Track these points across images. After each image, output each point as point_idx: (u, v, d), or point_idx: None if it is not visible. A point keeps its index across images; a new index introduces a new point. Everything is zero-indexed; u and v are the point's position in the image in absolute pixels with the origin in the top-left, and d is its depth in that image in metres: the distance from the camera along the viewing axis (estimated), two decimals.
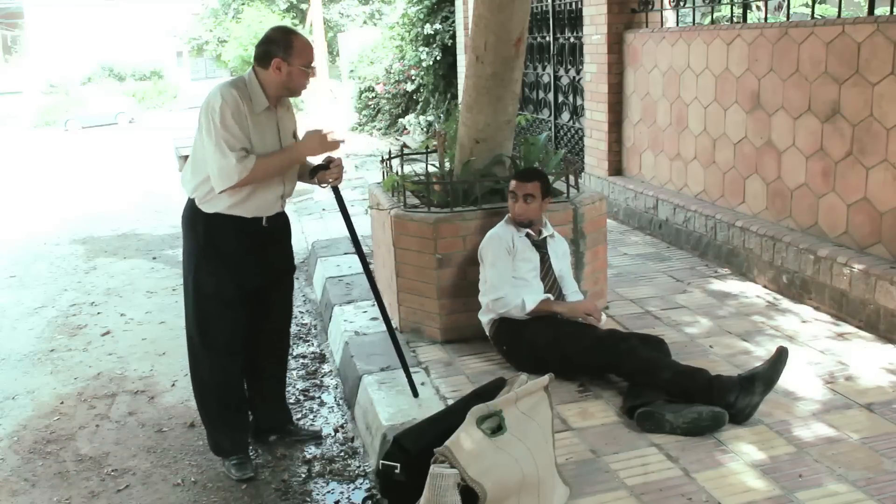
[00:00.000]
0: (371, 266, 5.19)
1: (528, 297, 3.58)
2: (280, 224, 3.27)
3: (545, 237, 3.79)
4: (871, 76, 4.09)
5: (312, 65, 3.07)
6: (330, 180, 3.26)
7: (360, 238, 3.46)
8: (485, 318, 3.76)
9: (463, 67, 9.63)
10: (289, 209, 3.40)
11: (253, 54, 3.11)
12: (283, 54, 2.98)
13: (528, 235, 3.74)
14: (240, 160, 2.93)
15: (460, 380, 3.62)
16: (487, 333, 3.77)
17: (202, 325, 3.21)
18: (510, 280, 3.65)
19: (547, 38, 8.35)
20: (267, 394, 3.53)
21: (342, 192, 3.39)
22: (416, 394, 3.44)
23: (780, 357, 3.15)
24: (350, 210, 3.42)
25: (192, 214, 3.14)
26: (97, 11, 36.76)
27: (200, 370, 3.29)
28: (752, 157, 5.10)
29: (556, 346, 3.45)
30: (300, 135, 3.27)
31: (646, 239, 6.08)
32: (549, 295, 3.67)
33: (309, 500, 3.16)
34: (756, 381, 3.08)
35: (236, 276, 3.15)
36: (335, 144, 3.19)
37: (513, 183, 3.74)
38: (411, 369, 3.65)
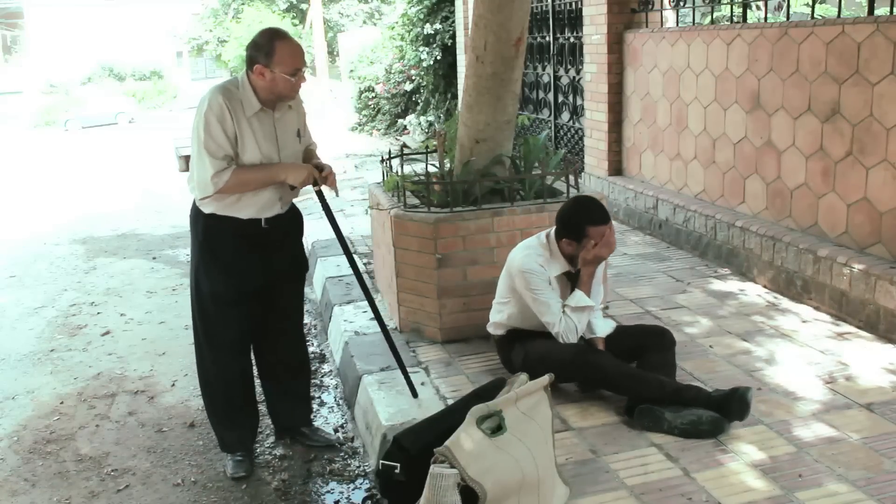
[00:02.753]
0: (371, 266, 5.22)
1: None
2: (282, 224, 3.20)
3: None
4: (871, 76, 4.09)
5: (299, 71, 2.98)
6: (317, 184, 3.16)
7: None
8: (495, 332, 3.62)
9: (463, 67, 9.62)
10: None
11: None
12: (264, 61, 2.93)
13: (565, 274, 3.41)
14: (217, 172, 2.91)
15: (460, 380, 3.62)
16: (496, 349, 3.69)
17: (204, 323, 3.23)
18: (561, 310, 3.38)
19: (547, 38, 8.35)
20: (281, 393, 3.51)
21: (330, 198, 3.31)
22: (415, 394, 3.43)
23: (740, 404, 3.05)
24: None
25: (195, 214, 3.15)
26: (97, 11, 36.79)
27: (205, 367, 3.30)
28: (751, 157, 5.10)
29: (542, 363, 3.23)
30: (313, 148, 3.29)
31: (646, 239, 6.08)
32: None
33: (309, 500, 3.16)
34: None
35: (233, 277, 3.13)
36: (320, 184, 3.12)
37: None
38: (412, 369, 3.65)
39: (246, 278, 3.15)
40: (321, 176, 3.14)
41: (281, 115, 3.11)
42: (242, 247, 3.11)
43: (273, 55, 2.92)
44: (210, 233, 3.10)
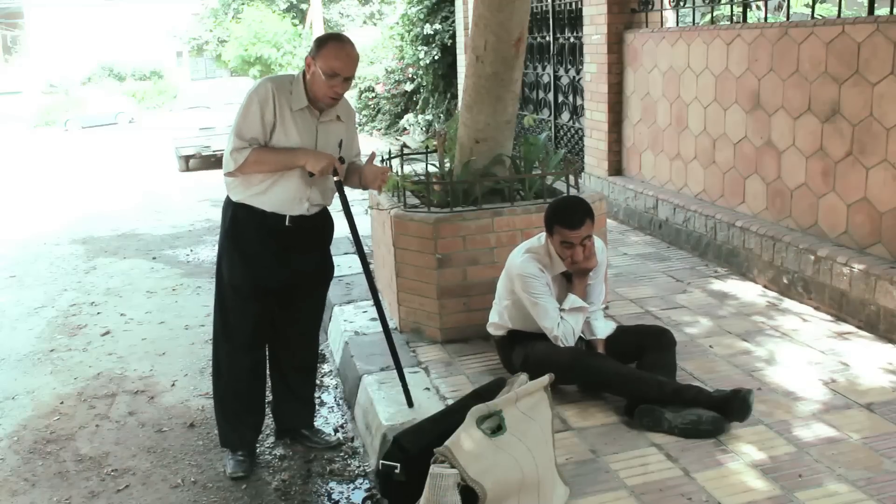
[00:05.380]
0: (371, 266, 5.21)
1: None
2: (309, 227, 3.21)
3: None
4: (871, 76, 4.08)
5: (336, 76, 2.96)
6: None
7: (360, 238, 3.43)
8: (495, 332, 3.62)
9: (463, 67, 9.63)
10: None
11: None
12: (314, 53, 3.01)
13: (563, 274, 3.40)
14: (237, 149, 2.98)
15: (460, 380, 3.62)
16: (497, 349, 3.69)
17: (223, 313, 3.26)
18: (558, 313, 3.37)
19: (547, 38, 8.35)
20: (289, 394, 3.51)
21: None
22: (410, 404, 3.35)
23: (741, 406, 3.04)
24: (349, 210, 3.37)
25: (226, 202, 3.22)
26: (97, 11, 36.74)
27: (219, 358, 3.33)
28: (751, 157, 5.10)
29: (543, 366, 3.18)
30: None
31: (646, 239, 6.08)
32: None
33: (309, 500, 3.16)
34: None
35: (252, 269, 3.15)
36: (333, 174, 3.13)
37: (564, 232, 3.22)
38: (412, 369, 3.65)
39: (264, 273, 3.17)
40: (342, 167, 3.17)
41: (326, 121, 3.14)
42: (265, 241, 3.14)
43: (321, 49, 2.99)
44: (236, 223, 3.15)
